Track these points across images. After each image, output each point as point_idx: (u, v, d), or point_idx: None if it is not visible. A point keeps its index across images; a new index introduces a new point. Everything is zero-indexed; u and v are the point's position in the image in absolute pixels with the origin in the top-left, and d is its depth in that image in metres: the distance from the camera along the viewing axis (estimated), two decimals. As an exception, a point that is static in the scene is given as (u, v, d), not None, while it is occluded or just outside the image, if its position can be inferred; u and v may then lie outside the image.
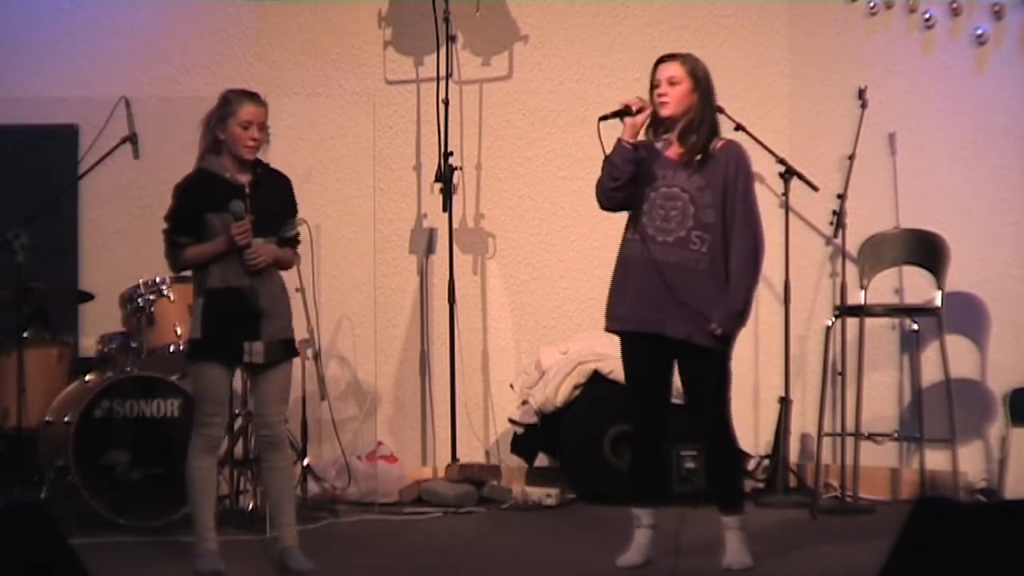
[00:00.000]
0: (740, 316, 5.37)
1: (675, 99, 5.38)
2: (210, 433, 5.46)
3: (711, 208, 5.35)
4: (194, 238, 5.42)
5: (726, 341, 5.38)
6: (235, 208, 5.36)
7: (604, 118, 5.37)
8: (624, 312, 5.42)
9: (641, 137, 5.42)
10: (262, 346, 5.41)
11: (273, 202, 5.49)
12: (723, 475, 5.52)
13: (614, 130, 5.42)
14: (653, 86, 5.43)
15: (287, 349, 5.55)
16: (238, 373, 5.80)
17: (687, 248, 5.34)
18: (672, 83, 5.39)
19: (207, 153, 5.47)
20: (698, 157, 5.37)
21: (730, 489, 5.52)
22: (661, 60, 5.46)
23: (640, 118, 5.36)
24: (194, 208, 5.42)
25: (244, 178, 5.44)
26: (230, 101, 5.43)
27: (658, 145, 5.45)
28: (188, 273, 6.46)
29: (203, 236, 5.42)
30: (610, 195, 5.43)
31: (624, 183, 5.37)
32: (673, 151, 5.42)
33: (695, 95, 5.39)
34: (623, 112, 5.38)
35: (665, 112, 5.38)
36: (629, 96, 5.45)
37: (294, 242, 5.62)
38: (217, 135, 5.44)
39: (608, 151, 5.39)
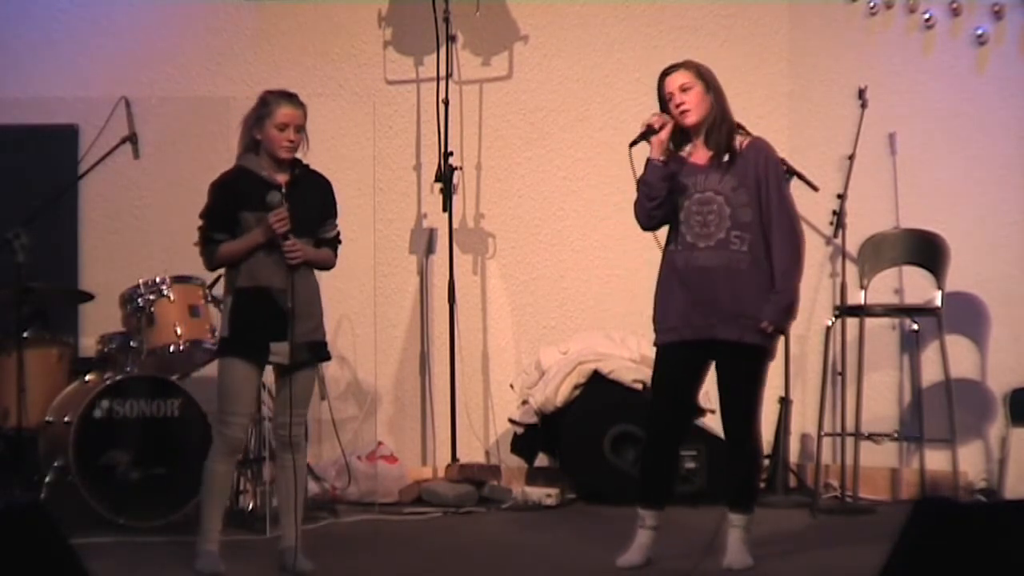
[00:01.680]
0: (790, 310, 5.39)
1: (694, 104, 5.38)
2: (232, 435, 5.42)
3: (747, 207, 5.35)
4: (229, 235, 5.39)
5: (777, 336, 5.41)
6: (271, 198, 5.33)
7: (634, 143, 5.37)
8: (675, 323, 5.40)
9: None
10: (288, 347, 5.39)
11: (311, 202, 5.45)
12: (742, 473, 5.49)
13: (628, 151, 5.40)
14: (666, 100, 5.42)
15: (315, 351, 5.53)
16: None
17: (728, 249, 5.33)
18: (685, 90, 5.38)
19: (245, 152, 5.46)
20: (726, 157, 5.38)
21: (746, 488, 5.51)
22: (665, 73, 5.44)
23: (664, 134, 5.36)
24: (230, 205, 5.38)
25: (281, 178, 5.42)
26: (268, 102, 5.41)
27: (683, 153, 5.45)
28: (186, 273, 6.55)
29: (238, 234, 5.38)
30: (652, 214, 5.42)
31: (662, 200, 5.37)
32: (700, 156, 5.42)
33: (710, 95, 5.41)
34: (648, 133, 5.37)
35: (689, 120, 5.38)
36: (648, 116, 5.40)
37: (334, 243, 5.59)
38: (254, 135, 5.42)
39: (638, 174, 5.37)
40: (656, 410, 5.50)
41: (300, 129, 5.42)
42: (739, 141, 5.43)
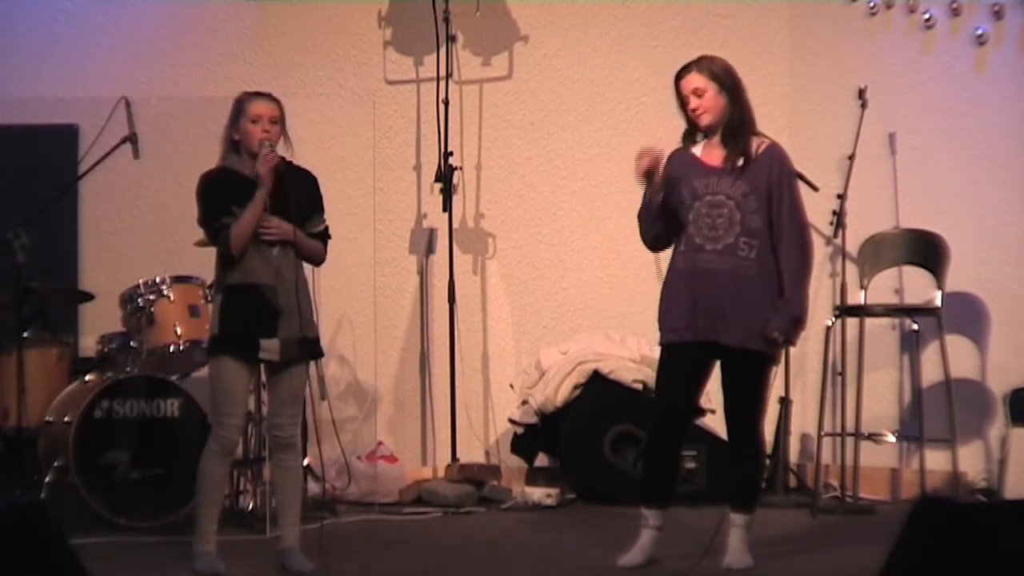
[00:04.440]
0: (799, 322, 5.33)
1: (707, 108, 5.34)
2: (225, 435, 5.41)
3: (756, 214, 5.31)
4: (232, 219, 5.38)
5: (783, 345, 5.38)
6: (264, 147, 5.36)
7: (642, 180, 5.37)
8: (679, 323, 5.37)
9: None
10: (278, 344, 5.38)
11: (299, 196, 5.45)
12: (745, 473, 5.49)
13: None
14: (683, 104, 5.39)
15: (305, 348, 5.51)
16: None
17: (736, 255, 5.29)
18: (698, 94, 5.35)
19: (227, 154, 5.48)
20: (740, 161, 5.33)
21: (748, 488, 5.51)
22: (680, 74, 5.40)
23: (660, 170, 5.34)
24: (222, 198, 5.38)
25: None
26: (240, 101, 5.47)
27: (695, 151, 5.41)
28: (186, 273, 6.55)
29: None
30: (655, 244, 5.52)
31: (663, 229, 5.41)
32: (714, 156, 5.37)
33: (723, 96, 5.36)
34: (651, 176, 5.33)
35: (704, 122, 5.34)
36: (640, 158, 5.32)
37: (323, 236, 5.58)
38: (233, 136, 5.45)
39: (651, 190, 5.36)
40: (658, 409, 5.49)
41: (275, 122, 5.43)
42: (756, 144, 5.38)
